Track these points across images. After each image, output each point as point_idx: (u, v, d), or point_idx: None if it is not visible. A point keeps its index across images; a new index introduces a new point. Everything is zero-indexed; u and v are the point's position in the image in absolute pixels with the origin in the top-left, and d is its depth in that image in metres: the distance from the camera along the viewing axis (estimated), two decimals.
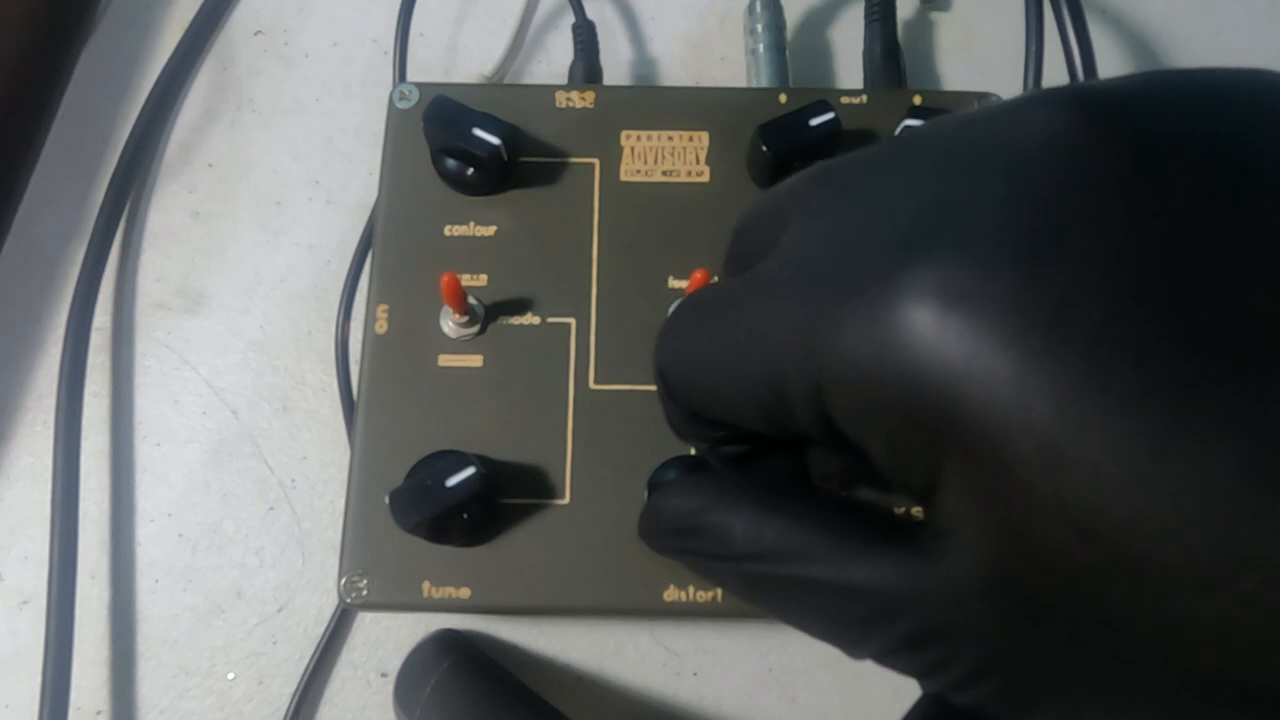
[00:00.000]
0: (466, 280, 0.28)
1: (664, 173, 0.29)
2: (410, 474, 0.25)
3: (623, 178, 0.29)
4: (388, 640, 0.30)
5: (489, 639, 0.30)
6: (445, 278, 0.25)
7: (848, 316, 0.12)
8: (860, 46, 0.35)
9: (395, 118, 0.30)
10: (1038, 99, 0.13)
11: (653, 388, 0.27)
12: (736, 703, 0.30)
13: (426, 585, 0.25)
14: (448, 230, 0.28)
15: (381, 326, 0.27)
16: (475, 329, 0.27)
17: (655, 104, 0.30)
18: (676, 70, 0.37)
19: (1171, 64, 0.38)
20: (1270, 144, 0.11)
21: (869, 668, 0.14)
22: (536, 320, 0.28)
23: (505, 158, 0.28)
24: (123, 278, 0.34)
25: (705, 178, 0.29)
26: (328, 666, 0.30)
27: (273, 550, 0.31)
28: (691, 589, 0.25)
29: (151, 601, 0.30)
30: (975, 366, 0.11)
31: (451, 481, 0.24)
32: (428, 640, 0.29)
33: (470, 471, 0.24)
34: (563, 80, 0.34)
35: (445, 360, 0.27)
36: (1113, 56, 0.38)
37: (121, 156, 0.34)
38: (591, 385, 0.27)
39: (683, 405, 0.16)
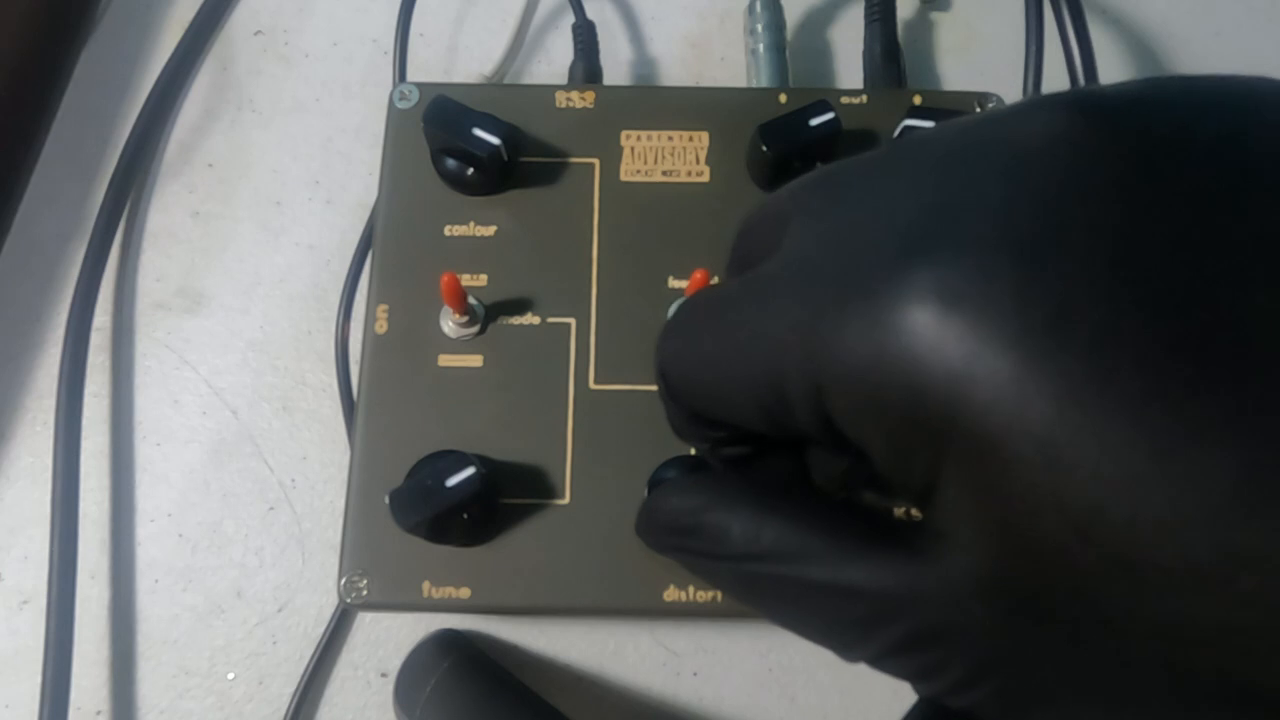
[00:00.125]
0: (466, 280, 0.28)
1: (664, 173, 0.29)
2: (410, 474, 0.25)
3: (623, 178, 0.29)
4: (388, 640, 0.30)
5: (489, 639, 0.30)
6: (445, 278, 0.25)
7: (848, 317, 0.12)
8: (860, 46, 0.35)
9: (395, 118, 0.30)
10: (1038, 103, 0.13)
11: (653, 388, 0.27)
12: (736, 703, 0.30)
13: (426, 585, 0.25)
14: (448, 230, 0.28)
15: (381, 326, 0.27)
16: (475, 329, 0.27)
17: (655, 104, 0.30)
18: (676, 70, 0.37)
19: (1171, 64, 0.38)
20: (1270, 146, 0.11)
21: (870, 668, 0.14)
22: (536, 320, 0.28)
23: (505, 158, 0.28)
24: (123, 278, 0.34)
25: (705, 178, 0.29)
26: (328, 666, 0.30)
27: (273, 550, 0.31)
28: (691, 589, 0.26)
29: (151, 601, 0.30)
30: (975, 367, 0.11)
31: (451, 481, 0.24)
32: (428, 640, 0.29)
33: (470, 471, 0.24)
34: (563, 80, 0.34)
35: (445, 360, 0.27)
36: (1113, 57, 0.38)
37: (121, 156, 0.34)
38: (591, 385, 0.27)
39: (684, 405, 0.16)
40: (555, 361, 0.27)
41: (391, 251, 0.28)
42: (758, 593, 0.15)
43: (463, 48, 0.37)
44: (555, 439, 0.27)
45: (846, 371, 0.12)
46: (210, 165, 0.35)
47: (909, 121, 0.28)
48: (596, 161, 0.29)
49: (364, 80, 0.37)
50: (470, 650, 0.29)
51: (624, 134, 0.30)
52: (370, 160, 0.35)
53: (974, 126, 0.13)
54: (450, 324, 0.27)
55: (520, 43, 0.35)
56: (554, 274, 0.28)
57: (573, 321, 0.28)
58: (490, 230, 0.29)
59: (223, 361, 0.33)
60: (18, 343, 0.33)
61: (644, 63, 0.37)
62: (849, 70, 0.37)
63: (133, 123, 0.35)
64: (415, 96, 0.30)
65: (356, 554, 0.26)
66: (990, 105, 0.30)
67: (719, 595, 0.26)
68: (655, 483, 0.26)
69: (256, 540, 0.31)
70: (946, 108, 0.29)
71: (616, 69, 0.37)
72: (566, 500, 0.26)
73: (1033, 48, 0.34)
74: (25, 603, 0.30)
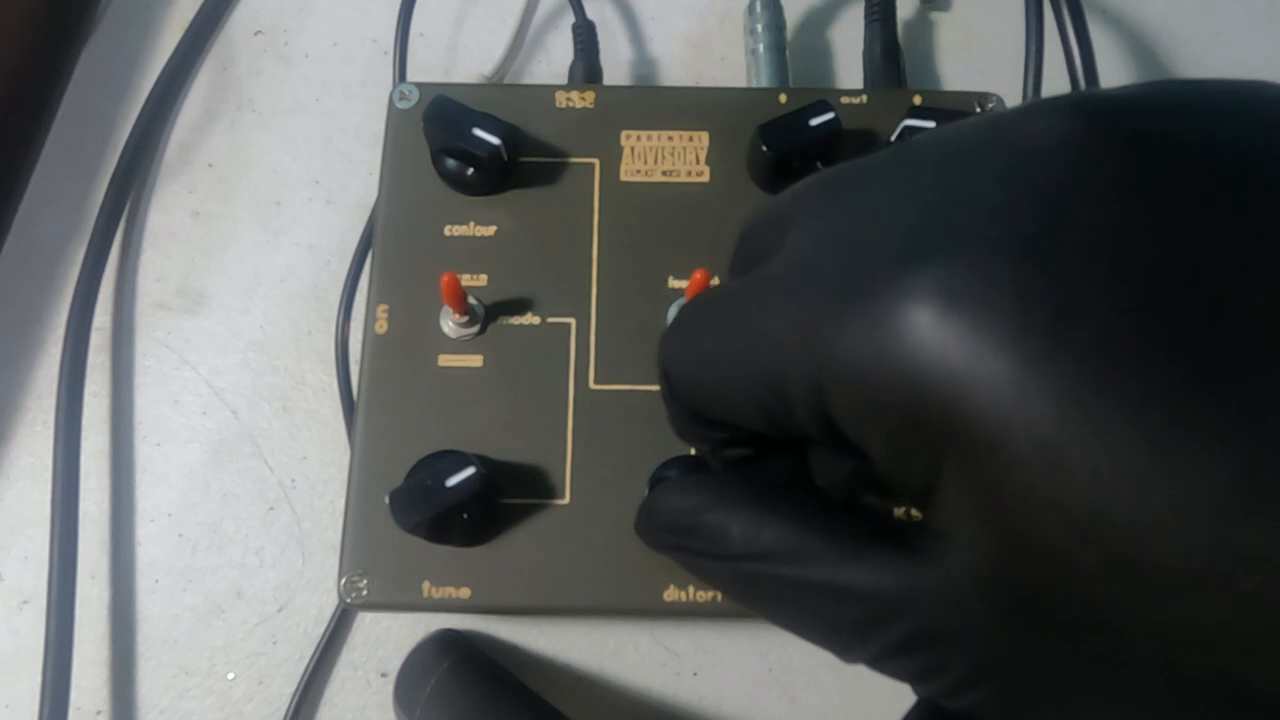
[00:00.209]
0: (466, 280, 0.28)
1: (664, 173, 0.29)
2: (410, 474, 0.25)
3: (623, 178, 0.29)
4: (388, 640, 0.30)
5: (489, 639, 0.30)
6: (445, 278, 0.25)
7: (849, 317, 0.12)
8: (860, 46, 0.35)
9: (395, 118, 0.30)
10: (1039, 105, 0.13)
11: (653, 388, 0.27)
12: (736, 703, 0.30)
13: (426, 585, 0.25)
14: (448, 230, 0.28)
15: (381, 326, 0.27)
16: (475, 329, 0.27)
17: (655, 104, 0.30)
18: (676, 70, 0.37)
19: (1171, 64, 0.38)
20: (1269, 146, 0.11)
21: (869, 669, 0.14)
22: (536, 320, 0.28)
23: (505, 158, 0.28)
24: (123, 278, 0.34)
25: (705, 178, 0.29)
26: (328, 666, 0.30)
27: (273, 550, 0.31)
28: (691, 589, 0.25)
29: (151, 601, 0.30)
30: (975, 367, 0.11)
31: (451, 481, 0.24)
32: (428, 640, 0.29)
33: (470, 471, 0.24)
34: (563, 80, 0.34)
35: (445, 360, 0.27)
36: (1113, 57, 0.38)
37: (121, 156, 0.34)
38: (591, 385, 0.27)
39: (685, 405, 0.16)
40: (555, 361, 0.27)
41: (391, 251, 0.28)
42: (756, 593, 0.15)
43: (463, 48, 0.37)
44: (555, 439, 0.27)
45: (847, 372, 0.12)
46: (210, 165, 0.35)
47: (909, 122, 0.28)
48: (596, 161, 0.29)
49: (364, 80, 0.37)
50: (470, 650, 0.29)
51: (624, 134, 0.30)
52: (370, 160, 0.35)
53: (974, 128, 0.13)
54: (450, 324, 0.27)
55: (520, 43, 0.35)
56: (554, 274, 0.28)
57: (573, 321, 0.28)
58: (490, 230, 0.29)
59: (223, 361, 0.33)
60: (18, 343, 0.33)
61: (644, 63, 0.37)
62: (849, 70, 0.37)
63: (133, 123, 0.35)
64: (415, 96, 0.30)
65: (356, 554, 0.26)
66: (990, 105, 0.30)
67: (719, 595, 0.26)
68: (655, 482, 0.26)
69: (256, 540, 0.31)
70: (946, 108, 0.29)
71: (616, 69, 0.37)
72: (566, 500, 0.26)
73: (1033, 48, 0.34)
74: (25, 603, 0.30)
